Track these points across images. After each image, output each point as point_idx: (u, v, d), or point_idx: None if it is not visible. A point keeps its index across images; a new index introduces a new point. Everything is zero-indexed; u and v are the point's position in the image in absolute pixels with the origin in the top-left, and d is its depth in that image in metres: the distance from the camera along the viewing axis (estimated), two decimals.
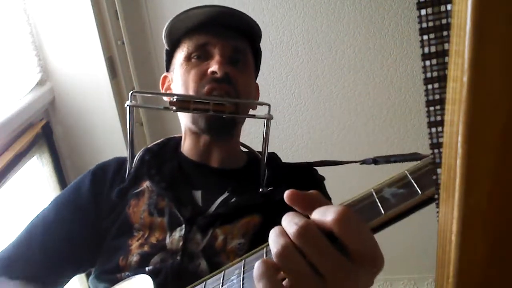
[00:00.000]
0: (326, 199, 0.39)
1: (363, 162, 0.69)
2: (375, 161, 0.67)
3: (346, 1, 1.62)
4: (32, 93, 1.25)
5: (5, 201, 1.09)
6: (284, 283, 0.36)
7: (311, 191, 0.40)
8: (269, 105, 0.75)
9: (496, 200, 0.24)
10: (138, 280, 0.61)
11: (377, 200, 0.40)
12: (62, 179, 1.39)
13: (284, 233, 0.36)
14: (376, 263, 0.36)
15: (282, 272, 0.36)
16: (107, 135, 1.46)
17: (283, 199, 0.39)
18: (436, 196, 0.30)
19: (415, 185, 0.39)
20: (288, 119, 1.78)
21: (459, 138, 0.24)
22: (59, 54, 1.35)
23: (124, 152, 1.09)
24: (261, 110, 0.77)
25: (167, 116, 1.75)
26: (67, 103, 1.40)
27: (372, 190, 0.41)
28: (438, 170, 0.29)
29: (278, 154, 0.87)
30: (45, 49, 1.34)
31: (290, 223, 0.36)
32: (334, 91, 1.74)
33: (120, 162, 0.81)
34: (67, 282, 0.77)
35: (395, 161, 0.64)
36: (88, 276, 1.35)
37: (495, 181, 0.24)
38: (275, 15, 1.65)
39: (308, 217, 0.38)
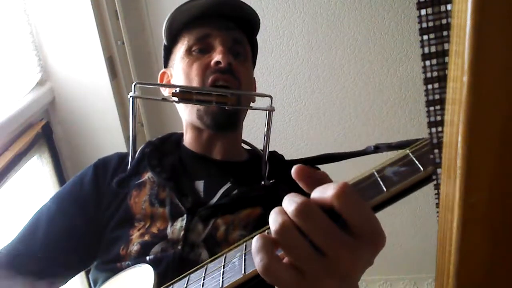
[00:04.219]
0: (332, 180, 0.38)
1: (364, 151, 0.69)
2: (377, 148, 0.67)
3: (346, 1, 1.62)
4: (32, 93, 1.25)
5: (5, 201, 1.09)
6: (284, 260, 0.36)
7: (320, 170, 0.39)
8: (271, 97, 0.75)
9: (496, 200, 0.24)
10: (139, 269, 0.61)
11: (379, 179, 0.39)
12: (62, 179, 1.39)
13: (283, 211, 0.36)
14: (377, 240, 0.35)
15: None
16: (107, 135, 1.46)
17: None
18: (436, 196, 0.30)
19: (417, 162, 0.39)
20: (288, 119, 1.78)
21: (459, 138, 0.24)
22: (59, 54, 1.35)
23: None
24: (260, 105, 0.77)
25: (168, 116, 1.74)
26: (67, 103, 1.40)
27: (374, 170, 0.41)
28: (438, 170, 0.29)
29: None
30: (45, 49, 1.33)
31: (290, 201, 0.35)
32: (334, 91, 1.74)
33: (121, 157, 0.82)
34: (73, 276, 0.77)
35: (396, 147, 0.63)
36: (87, 274, 1.35)
37: (495, 181, 0.24)
38: (275, 15, 1.65)
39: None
